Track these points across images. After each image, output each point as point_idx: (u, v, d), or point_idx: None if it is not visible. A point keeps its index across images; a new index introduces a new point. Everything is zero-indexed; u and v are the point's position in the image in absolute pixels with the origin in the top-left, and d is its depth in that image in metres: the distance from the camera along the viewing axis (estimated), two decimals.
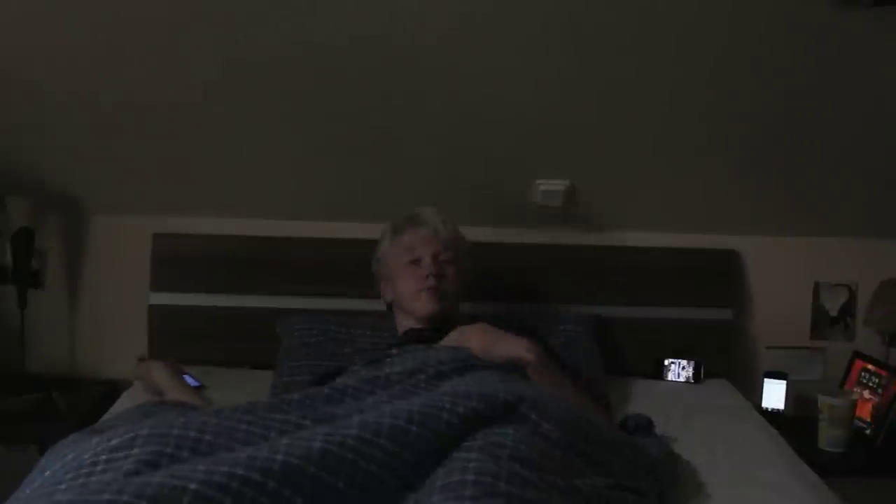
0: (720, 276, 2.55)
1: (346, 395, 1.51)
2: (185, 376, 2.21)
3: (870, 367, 2.39)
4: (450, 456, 1.27)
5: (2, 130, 2.31)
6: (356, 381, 1.57)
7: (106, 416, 1.96)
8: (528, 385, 1.60)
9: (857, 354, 2.47)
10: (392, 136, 2.33)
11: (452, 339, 1.84)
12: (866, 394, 2.35)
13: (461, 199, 2.48)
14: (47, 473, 1.23)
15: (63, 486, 1.17)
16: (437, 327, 2.00)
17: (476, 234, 2.48)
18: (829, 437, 2.21)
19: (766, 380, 2.49)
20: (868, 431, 2.30)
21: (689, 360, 2.44)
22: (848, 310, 2.62)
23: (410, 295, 2.08)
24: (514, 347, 1.76)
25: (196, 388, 2.18)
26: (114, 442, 1.21)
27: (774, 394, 2.47)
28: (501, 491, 1.16)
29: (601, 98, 2.23)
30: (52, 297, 2.57)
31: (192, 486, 1.07)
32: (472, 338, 1.79)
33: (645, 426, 1.80)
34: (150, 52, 2.12)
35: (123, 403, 2.10)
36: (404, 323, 2.11)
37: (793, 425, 2.25)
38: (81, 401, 2.34)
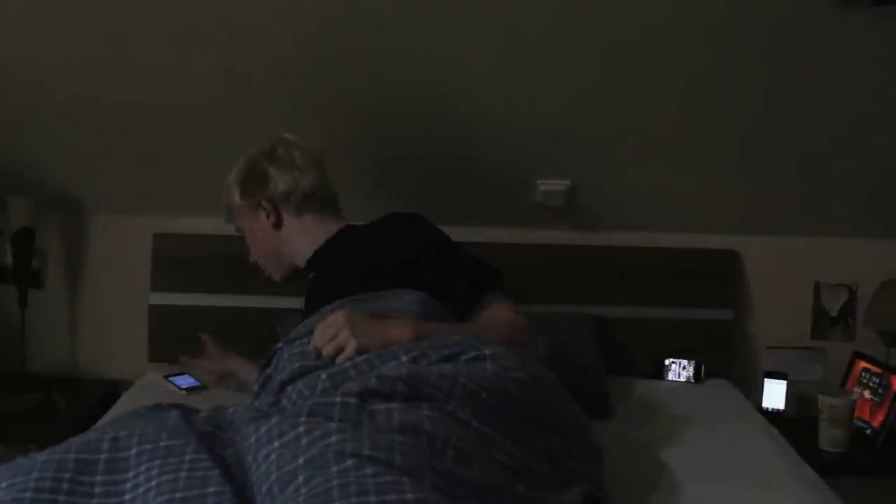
0: (720, 276, 2.55)
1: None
2: (178, 378, 2.22)
3: (870, 367, 2.39)
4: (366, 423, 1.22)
5: (2, 130, 2.31)
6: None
7: (105, 417, 1.96)
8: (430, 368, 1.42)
9: (858, 354, 2.47)
10: (392, 137, 2.33)
11: (323, 340, 1.54)
12: (867, 394, 2.35)
13: (462, 198, 2.48)
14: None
15: None
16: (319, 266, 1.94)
17: (476, 234, 2.48)
18: (829, 437, 2.21)
19: (766, 380, 2.49)
20: (868, 432, 2.30)
21: (689, 360, 2.44)
22: (848, 310, 2.62)
23: None
24: (389, 335, 1.53)
25: (194, 388, 2.20)
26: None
27: (775, 394, 2.47)
28: (427, 480, 1.11)
29: (602, 98, 2.23)
30: (52, 297, 2.57)
31: None
32: (345, 341, 1.52)
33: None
34: (150, 53, 2.12)
35: (123, 403, 2.10)
36: None
37: (793, 425, 2.25)
38: (81, 401, 2.34)
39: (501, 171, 2.43)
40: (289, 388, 1.49)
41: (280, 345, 1.66)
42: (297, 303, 2.22)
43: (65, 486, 1.19)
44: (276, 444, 1.20)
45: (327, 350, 1.52)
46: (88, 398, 2.37)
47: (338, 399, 1.25)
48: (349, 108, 2.26)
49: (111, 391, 2.41)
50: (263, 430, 1.24)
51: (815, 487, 1.70)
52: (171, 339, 2.46)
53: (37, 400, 2.29)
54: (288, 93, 2.23)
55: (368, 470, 1.09)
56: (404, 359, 1.44)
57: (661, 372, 2.45)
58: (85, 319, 2.59)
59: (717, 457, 1.81)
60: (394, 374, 1.32)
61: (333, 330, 1.53)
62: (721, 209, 2.53)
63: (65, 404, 2.29)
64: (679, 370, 2.45)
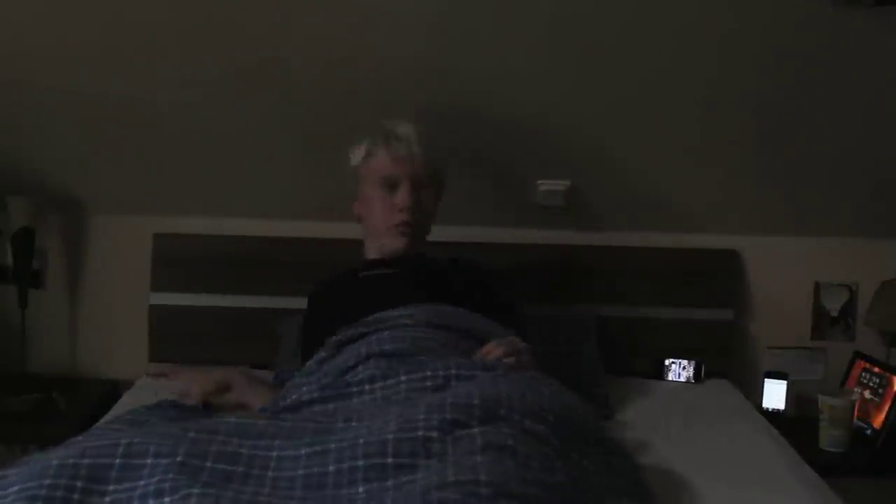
0: (720, 276, 2.55)
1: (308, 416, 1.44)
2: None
3: (870, 367, 2.39)
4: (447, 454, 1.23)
5: (2, 130, 2.31)
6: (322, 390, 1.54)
7: (107, 417, 1.96)
8: (504, 382, 1.49)
9: (858, 354, 2.47)
10: None
11: (502, 353, 1.67)
12: (867, 394, 2.35)
13: (462, 198, 2.48)
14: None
15: None
16: (398, 264, 1.96)
17: (476, 234, 2.48)
18: (829, 437, 2.21)
19: (766, 380, 2.49)
20: (868, 432, 2.30)
21: (689, 360, 2.44)
22: (848, 310, 2.62)
23: (380, 226, 1.97)
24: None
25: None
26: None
27: (775, 394, 2.47)
28: (514, 493, 1.12)
29: (602, 98, 2.23)
30: (52, 297, 2.57)
31: None
32: (527, 364, 1.68)
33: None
34: (150, 53, 2.12)
35: (123, 403, 2.10)
36: (371, 247, 2.04)
37: (793, 425, 2.25)
38: (81, 401, 2.34)
39: (501, 171, 2.43)
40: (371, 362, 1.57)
41: (350, 333, 1.71)
42: (296, 303, 2.23)
43: (76, 496, 1.18)
44: (360, 489, 1.20)
45: (508, 362, 1.63)
46: (88, 398, 2.37)
47: (420, 434, 1.25)
48: (349, 109, 2.26)
49: (111, 391, 2.41)
50: (346, 466, 1.23)
51: (815, 487, 1.70)
52: (171, 339, 2.46)
53: (37, 400, 2.29)
54: (289, 93, 2.23)
55: (452, 494, 1.10)
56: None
57: (661, 372, 2.45)
58: (85, 319, 2.59)
59: (717, 457, 1.81)
60: (466, 401, 1.32)
61: (519, 352, 1.67)
62: (721, 209, 2.53)
63: (65, 404, 2.29)
64: (679, 370, 2.45)
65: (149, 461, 1.22)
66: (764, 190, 2.48)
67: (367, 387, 1.52)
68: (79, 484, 1.19)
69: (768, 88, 2.19)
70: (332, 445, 1.27)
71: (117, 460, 1.22)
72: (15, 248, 2.42)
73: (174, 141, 2.35)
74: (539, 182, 2.45)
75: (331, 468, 1.23)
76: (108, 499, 1.19)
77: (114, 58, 2.13)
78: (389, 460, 1.21)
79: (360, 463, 1.22)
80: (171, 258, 2.48)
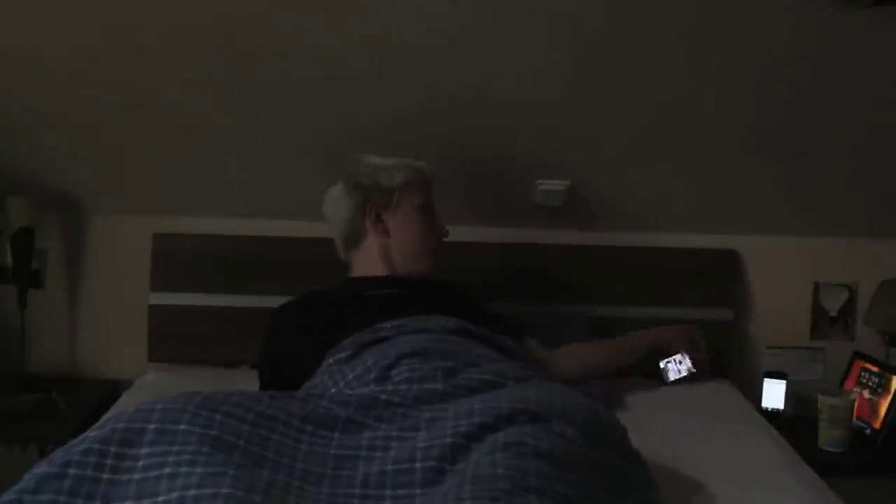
0: (720, 276, 2.55)
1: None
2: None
3: (869, 366, 2.39)
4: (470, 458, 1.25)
5: (2, 130, 2.31)
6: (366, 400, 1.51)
7: (106, 416, 1.96)
8: (533, 389, 1.54)
9: (858, 354, 2.47)
10: (392, 137, 2.33)
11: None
12: (866, 394, 2.35)
13: (462, 198, 2.48)
14: None
15: None
16: (406, 288, 1.95)
17: (476, 234, 2.48)
18: (829, 437, 2.21)
19: (766, 380, 2.49)
20: (868, 432, 2.30)
21: (682, 353, 2.40)
22: (848, 310, 2.62)
23: (419, 246, 2.00)
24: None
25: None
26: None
27: (774, 394, 2.47)
28: (532, 486, 1.13)
29: (602, 98, 2.23)
30: (52, 297, 2.57)
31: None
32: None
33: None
34: (150, 53, 2.12)
35: (123, 403, 2.10)
36: (372, 267, 2.01)
37: (793, 425, 2.25)
38: (81, 401, 2.34)
39: (501, 171, 2.43)
40: (403, 363, 1.56)
41: (368, 337, 1.71)
42: None
43: (109, 460, 1.18)
44: (387, 492, 1.23)
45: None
46: (88, 398, 2.37)
47: (448, 441, 1.27)
48: (349, 110, 2.26)
49: (111, 391, 2.41)
50: (375, 470, 1.26)
51: (815, 487, 1.70)
52: (171, 339, 2.46)
53: (37, 400, 2.29)
54: (288, 94, 2.23)
55: (470, 489, 1.12)
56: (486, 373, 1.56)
57: (660, 372, 2.45)
58: (85, 319, 2.59)
59: (717, 457, 1.81)
60: (494, 405, 1.34)
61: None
62: (721, 209, 2.54)
63: (65, 404, 2.29)
64: (677, 367, 2.43)
65: (182, 427, 1.22)
66: (764, 190, 2.48)
67: (402, 387, 1.50)
68: (112, 448, 1.19)
69: (768, 88, 2.19)
70: (363, 446, 1.31)
71: (151, 425, 1.22)
72: (14, 248, 2.42)
73: (173, 141, 2.34)
74: (539, 182, 2.45)
75: (360, 471, 1.26)
76: (141, 462, 1.19)
77: (114, 58, 2.13)
78: (417, 465, 1.24)
79: (389, 467, 1.25)
80: (170, 258, 2.48)
